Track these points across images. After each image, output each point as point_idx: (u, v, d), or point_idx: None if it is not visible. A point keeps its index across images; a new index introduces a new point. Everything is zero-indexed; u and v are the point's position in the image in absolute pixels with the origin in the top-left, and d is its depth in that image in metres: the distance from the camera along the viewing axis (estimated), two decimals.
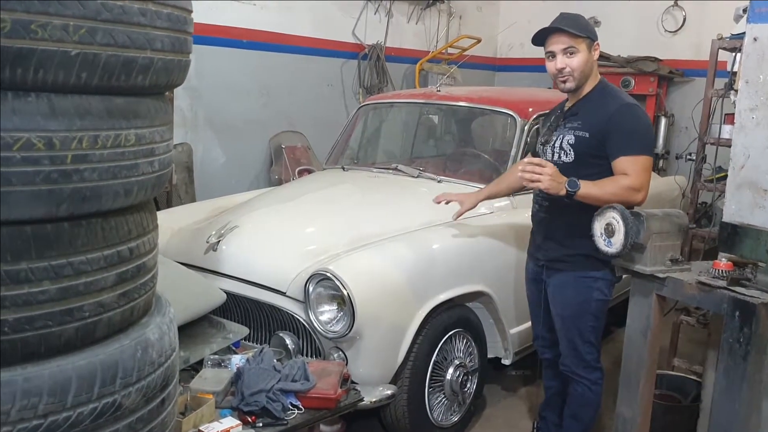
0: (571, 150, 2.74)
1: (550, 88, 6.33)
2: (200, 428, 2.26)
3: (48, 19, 1.29)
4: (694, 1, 6.83)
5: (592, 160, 2.70)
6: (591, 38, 2.73)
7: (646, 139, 2.74)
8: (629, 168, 2.63)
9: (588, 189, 2.58)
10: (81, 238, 1.44)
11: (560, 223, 2.83)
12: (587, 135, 2.72)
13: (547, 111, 3.19)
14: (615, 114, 2.68)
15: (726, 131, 3.64)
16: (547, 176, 2.55)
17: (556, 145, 2.80)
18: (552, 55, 2.74)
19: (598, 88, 2.80)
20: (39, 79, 1.31)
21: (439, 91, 4.37)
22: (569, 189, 2.56)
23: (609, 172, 2.68)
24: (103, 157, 1.41)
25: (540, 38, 2.76)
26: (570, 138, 2.75)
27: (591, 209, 2.61)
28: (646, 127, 2.77)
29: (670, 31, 7.02)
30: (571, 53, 2.70)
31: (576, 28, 2.69)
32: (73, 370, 1.43)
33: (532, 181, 2.58)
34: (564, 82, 2.76)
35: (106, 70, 1.39)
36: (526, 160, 2.65)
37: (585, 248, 2.71)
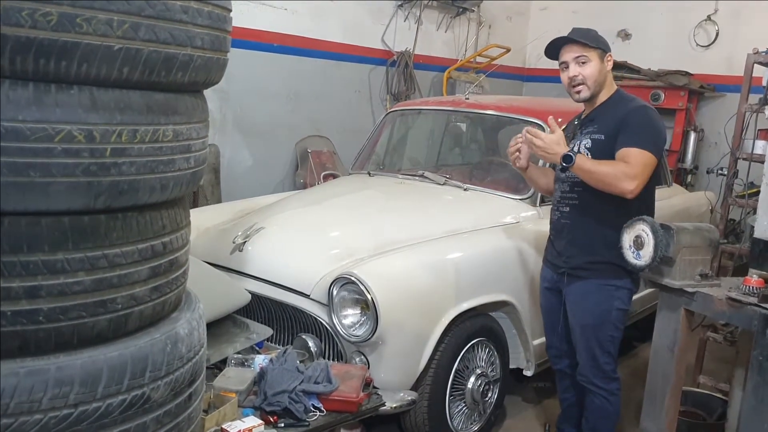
0: (588, 153, 2.76)
1: None
2: (223, 426, 2.26)
3: (93, 13, 1.31)
4: (728, 15, 6.76)
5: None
6: (603, 49, 2.78)
7: (654, 137, 2.72)
8: (630, 157, 2.63)
9: (583, 162, 2.63)
10: (116, 231, 1.46)
11: (583, 230, 2.83)
12: (602, 137, 2.76)
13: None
14: (628, 114, 2.72)
15: (759, 147, 3.61)
16: (540, 142, 2.67)
17: (574, 151, 2.78)
18: (566, 65, 2.80)
19: (614, 97, 2.85)
20: (82, 72, 1.34)
21: (468, 99, 4.36)
22: (564, 163, 2.61)
23: None
24: (141, 151, 1.43)
25: (552, 51, 2.82)
26: (587, 142, 2.80)
27: (615, 217, 2.63)
28: (657, 127, 2.77)
29: (702, 46, 6.95)
30: (583, 62, 2.75)
31: (587, 38, 2.74)
32: (105, 361, 1.44)
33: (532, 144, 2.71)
34: (578, 92, 2.80)
35: (148, 65, 1.41)
36: (526, 128, 2.77)
37: (608, 256, 2.72)
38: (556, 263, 2.96)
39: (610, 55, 2.81)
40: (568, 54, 2.77)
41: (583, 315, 2.86)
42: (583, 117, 2.91)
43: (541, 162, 3.18)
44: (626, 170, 2.60)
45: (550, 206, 3.06)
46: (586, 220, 2.81)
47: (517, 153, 2.93)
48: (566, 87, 2.83)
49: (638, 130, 2.68)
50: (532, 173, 3.09)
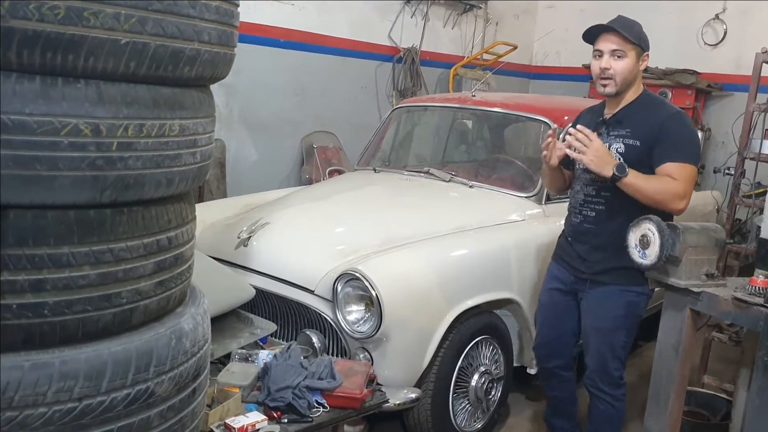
0: (621, 158, 2.65)
1: (585, 97, 6.27)
2: (226, 421, 2.26)
3: (100, 7, 1.31)
4: (736, 14, 6.73)
5: (640, 169, 2.61)
6: (642, 47, 2.69)
7: (695, 149, 2.69)
8: (676, 173, 2.58)
9: (634, 178, 2.54)
10: (122, 225, 1.46)
11: (608, 236, 2.73)
12: (638, 143, 2.66)
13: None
14: (666, 121, 2.64)
15: (767, 146, 3.59)
16: (593, 150, 2.53)
17: (623, 170, 2.66)
18: (599, 53, 2.70)
19: (642, 97, 2.75)
20: (89, 66, 1.33)
21: (474, 96, 4.35)
22: (617, 173, 2.53)
23: None
24: (147, 145, 1.43)
25: (591, 35, 2.72)
26: (619, 146, 2.69)
27: None
28: (695, 136, 2.73)
29: (710, 45, 6.92)
30: (619, 56, 2.65)
31: (630, 33, 2.65)
32: (109, 355, 1.45)
33: (579, 151, 2.55)
34: (604, 85, 2.70)
35: (154, 59, 1.41)
36: (579, 127, 2.60)
37: (630, 261, 2.65)
38: (576, 266, 2.87)
39: (647, 54, 2.71)
40: (606, 44, 2.66)
41: (599, 318, 2.81)
42: (608, 116, 2.79)
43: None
44: (677, 189, 2.56)
45: (568, 205, 2.97)
46: (612, 226, 2.71)
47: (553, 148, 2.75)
48: (594, 76, 2.73)
49: (680, 142, 2.62)
50: (556, 171, 2.94)
